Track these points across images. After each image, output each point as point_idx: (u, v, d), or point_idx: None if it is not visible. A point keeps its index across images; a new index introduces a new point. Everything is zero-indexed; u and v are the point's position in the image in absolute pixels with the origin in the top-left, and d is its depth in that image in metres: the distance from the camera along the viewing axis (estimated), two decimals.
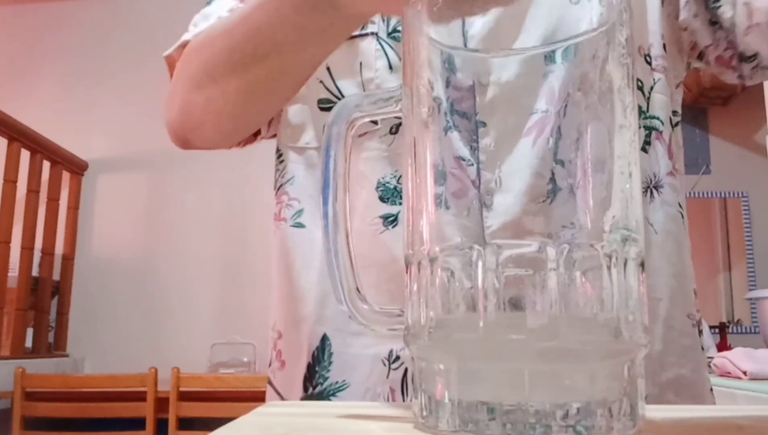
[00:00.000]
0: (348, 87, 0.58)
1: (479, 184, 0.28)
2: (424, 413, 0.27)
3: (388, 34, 0.58)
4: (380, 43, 0.58)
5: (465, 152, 0.28)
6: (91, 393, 2.46)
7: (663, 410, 0.35)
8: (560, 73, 0.28)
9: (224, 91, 0.55)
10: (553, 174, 0.27)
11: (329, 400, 0.55)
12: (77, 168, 3.41)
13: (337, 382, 0.55)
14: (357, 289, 0.33)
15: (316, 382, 0.56)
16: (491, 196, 0.27)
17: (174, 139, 0.63)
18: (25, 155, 2.95)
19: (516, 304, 0.26)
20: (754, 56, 0.56)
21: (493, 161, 0.27)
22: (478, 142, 0.28)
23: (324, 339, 0.57)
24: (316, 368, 0.56)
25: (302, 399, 0.57)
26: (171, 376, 2.37)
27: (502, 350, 0.25)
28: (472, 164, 0.28)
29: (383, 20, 0.59)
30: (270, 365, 0.63)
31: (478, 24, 0.43)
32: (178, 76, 0.60)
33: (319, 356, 0.56)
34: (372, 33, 0.58)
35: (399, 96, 0.32)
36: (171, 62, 0.65)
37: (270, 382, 0.62)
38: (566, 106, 0.27)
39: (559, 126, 0.27)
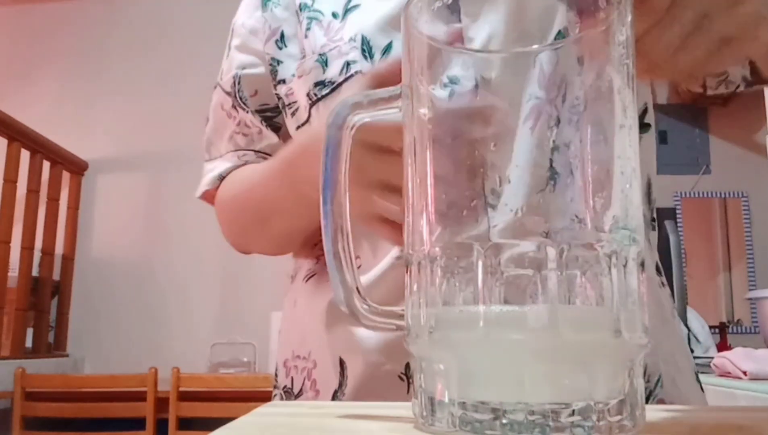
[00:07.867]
0: None
1: (483, 183, 0.28)
2: (424, 413, 0.27)
3: None
4: None
5: (468, 151, 0.28)
6: (91, 393, 2.46)
7: (663, 410, 0.35)
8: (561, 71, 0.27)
9: (258, 241, 0.71)
10: (551, 163, 0.27)
11: None
12: (77, 168, 3.41)
13: None
14: (357, 289, 0.33)
15: None
16: (495, 193, 0.27)
17: (236, 248, 0.77)
18: (25, 155, 2.95)
19: (516, 304, 0.26)
20: (723, 72, 0.57)
21: (496, 159, 0.27)
22: (482, 141, 0.28)
23: (341, 363, 0.58)
24: (338, 394, 0.57)
25: None
26: (171, 376, 2.37)
27: (502, 350, 0.25)
28: (477, 158, 0.28)
29: (366, 58, 0.58)
30: (301, 393, 0.62)
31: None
32: (221, 215, 0.75)
33: (341, 380, 0.57)
34: (358, 72, 0.58)
35: (399, 96, 0.32)
36: (207, 195, 0.77)
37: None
38: (565, 100, 0.27)
39: (558, 118, 0.27)
